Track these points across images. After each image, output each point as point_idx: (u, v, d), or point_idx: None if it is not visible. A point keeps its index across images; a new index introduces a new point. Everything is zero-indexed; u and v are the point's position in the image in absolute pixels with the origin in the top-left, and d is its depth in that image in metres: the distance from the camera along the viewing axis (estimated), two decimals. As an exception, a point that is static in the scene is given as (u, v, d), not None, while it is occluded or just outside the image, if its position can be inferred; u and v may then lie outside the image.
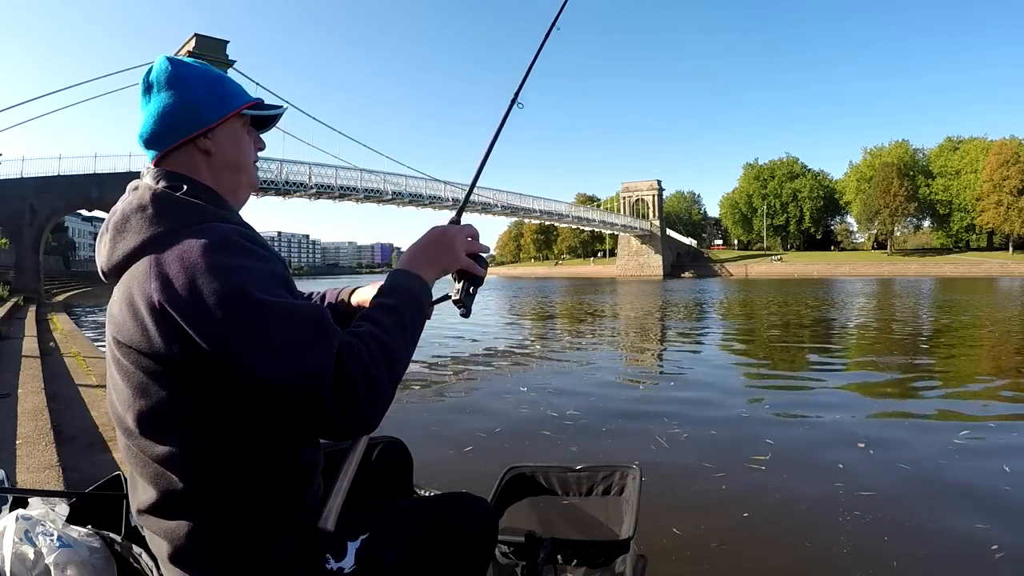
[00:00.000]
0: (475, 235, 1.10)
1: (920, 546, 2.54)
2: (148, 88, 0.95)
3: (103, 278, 0.93)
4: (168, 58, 0.97)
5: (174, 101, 0.93)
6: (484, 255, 1.11)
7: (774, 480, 3.32)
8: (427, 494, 1.67)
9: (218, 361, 0.78)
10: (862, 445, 3.92)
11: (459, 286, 1.09)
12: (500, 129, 1.30)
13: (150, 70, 0.96)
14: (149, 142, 0.95)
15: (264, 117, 1.05)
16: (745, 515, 2.85)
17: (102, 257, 0.91)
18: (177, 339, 0.79)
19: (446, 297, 1.09)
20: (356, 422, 0.80)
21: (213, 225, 0.86)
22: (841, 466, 3.51)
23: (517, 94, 1.35)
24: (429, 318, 1.02)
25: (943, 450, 3.85)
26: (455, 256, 1.05)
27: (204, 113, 0.94)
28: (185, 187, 0.91)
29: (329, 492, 0.92)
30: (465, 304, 1.09)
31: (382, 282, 1.01)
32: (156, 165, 0.96)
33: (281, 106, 1.07)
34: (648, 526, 2.61)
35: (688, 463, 3.62)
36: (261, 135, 1.07)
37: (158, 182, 0.91)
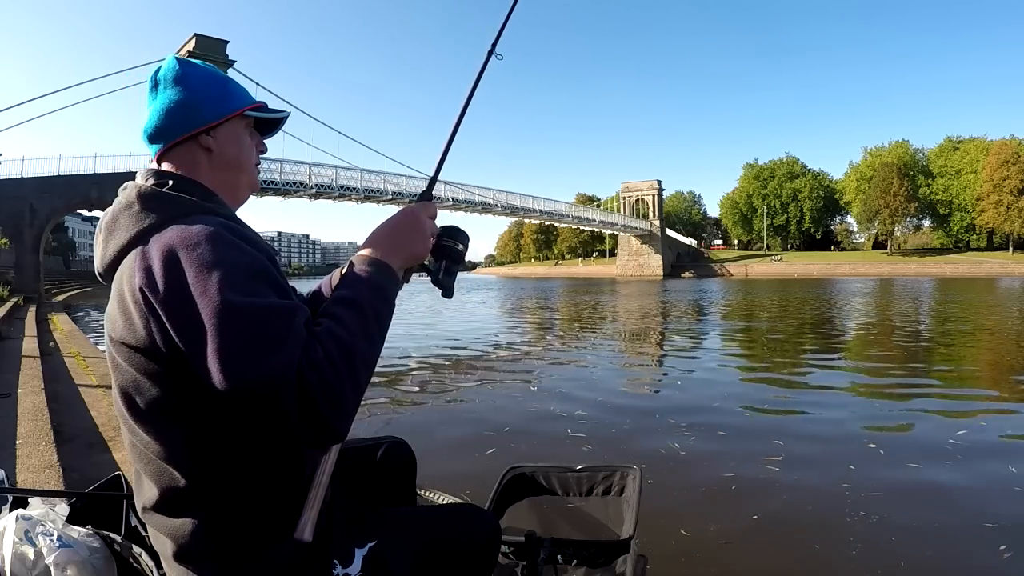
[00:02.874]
0: (434, 214, 1.04)
1: (928, 546, 2.55)
2: (155, 85, 0.98)
3: (100, 279, 0.94)
4: (177, 58, 0.99)
5: (178, 98, 0.96)
6: (459, 227, 1.04)
7: (784, 481, 3.32)
8: (432, 496, 1.68)
9: (186, 356, 0.79)
10: (873, 445, 3.92)
11: (437, 265, 1.02)
12: (477, 82, 1.24)
13: (158, 69, 0.99)
14: (153, 136, 0.97)
15: (267, 121, 1.06)
16: (755, 517, 2.85)
17: (97, 258, 0.93)
18: (159, 330, 0.80)
19: (425, 269, 1.03)
20: (319, 431, 0.76)
21: (198, 218, 0.87)
22: (852, 467, 3.51)
23: (495, 44, 1.29)
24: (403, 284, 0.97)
25: (951, 449, 3.86)
26: (424, 243, 1.00)
27: (206, 111, 0.97)
28: (171, 182, 0.92)
29: (304, 502, 0.87)
30: (444, 285, 1.02)
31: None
32: (158, 160, 0.98)
33: (284, 111, 1.07)
34: (657, 527, 2.62)
35: (698, 464, 3.62)
36: (265, 140, 1.09)
37: (146, 180, 0.93)
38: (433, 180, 1.14)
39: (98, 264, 0.93)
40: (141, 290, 0.80)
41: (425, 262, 1.04)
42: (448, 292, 1.03)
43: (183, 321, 0.78)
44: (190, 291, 0.78)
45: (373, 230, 1.00)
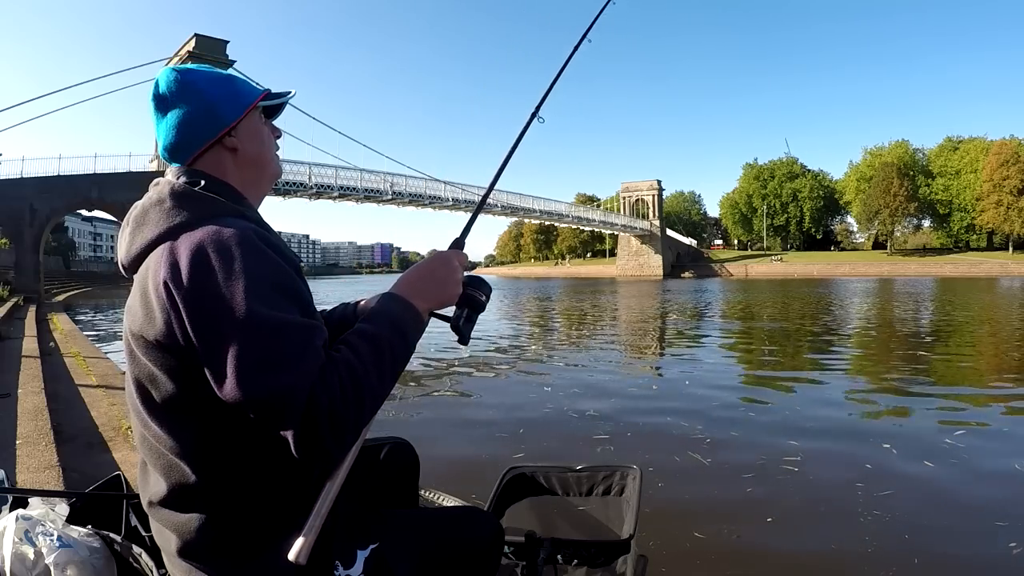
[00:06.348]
0: (465, 262, 1.07)
1: (940, 543, 2.58)
2: (161, 102, 0.96)
3: (123, 272, 0.95)
4: (173, 69, 0.97)
5: (192, 108, 0.95)
6: (483, 279, 1.07)
7: (798, 482, 3.32)
8: (434, 497, 1.67)
9: (200, 355, 0.79)
10: (887, 445, 3.93)
11: (459, 312, 1.04)
12: (518, 143, 1.26)
13: (157, 84, 0.97)
14: (175, 152, 0.96)
15: (274, 105, 1.05)
16: (768, 519, 2.84)
17: (122, 251, 0.93)
18: (179, 325, 0.80)
19: (445, 317, 1.04)
20: (315, 452, 0.77)
21: (229, 220, 0.87)
22: (869, 466, 3.52)
23: (539, 107, 1.32)
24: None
25: (961, 448, 3.87)
26: (456, 289, 1.01)
27: (223, 114, 0.96)
28: (203, 182, 0.92)
29: (302, 524, 0.83)
30: (463, 332, 1.04)
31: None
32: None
33: (289, 91, 1.07)
34: (671, 529, 2.64)
35: (711, 466, 3.61)
36: (274, 123, 1.08)
37: (178, 178, 0.93)
38: (466, 230, 1.15)
39: (122, 257, 0.93)
40: (165, 284, 0.80)
41: None
42: (465, 340, 1.05)
43: (203, 321, 0.78)
44: (215, 293, 0.78)
45: (408, 270, 1.01)
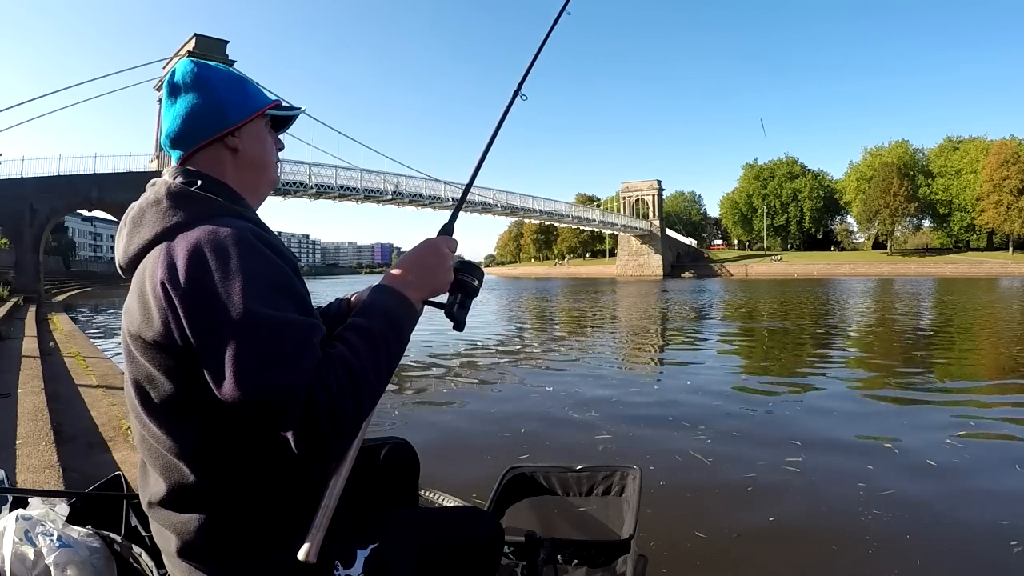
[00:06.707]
0: (454, 247, 1.06)
1: (942, 543, 2.58)
2: (174, 90, 0.97)
3: (121, 273, 0.95)
4: (192, 60, 0.99)
5: (201, 102, 0.96)
6: (475, 263, 1.06)
7: (800, 482, 3.32)
8: (434, 497, 1.67)
9: (199, 356, 0.79)
10: (888, 445, 3.93)
11: (452, 298, 1.04)
12: (502, 122, 1.26)
13: (174, 72, 0.98)
14: (176, 141, 0.97)
15: (281, 118, 1.07)
16: (771, 519, 2.84)
17: (119, 251, 0.93)
18: (177, 326, 0.80)
19: (439, 305, 1.04)
20: (316, 450, 0.77)
21: (227, 220, 0.87)
22: (870, 467, 3.52)
23: (521, 85, 1.31)
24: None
25: (962, 448, 3.88)
26: (447, 276, 1.00)
27: (230, 113, 0.97)
28: (200, 182, 0.92)
29: (302, 524, 0.85)
30: (458, 318, 1.03)
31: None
32: (183, 163, 0.98)
33: (299, 107, 1.08)
34: (672, 529, 2.64)
35: (713, 466, 3.60)
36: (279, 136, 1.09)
37: (175, 178, 0.93)
38: (455, 215, 1.15)
39: (120, 257, 0.93)
40: (163, 284, 0.80)
41: None
42: (460, 326, 1.04)
43: (202, 321, 0.78)
44: (213, 292, 0.78)
45: (397, 261, 1.01)
